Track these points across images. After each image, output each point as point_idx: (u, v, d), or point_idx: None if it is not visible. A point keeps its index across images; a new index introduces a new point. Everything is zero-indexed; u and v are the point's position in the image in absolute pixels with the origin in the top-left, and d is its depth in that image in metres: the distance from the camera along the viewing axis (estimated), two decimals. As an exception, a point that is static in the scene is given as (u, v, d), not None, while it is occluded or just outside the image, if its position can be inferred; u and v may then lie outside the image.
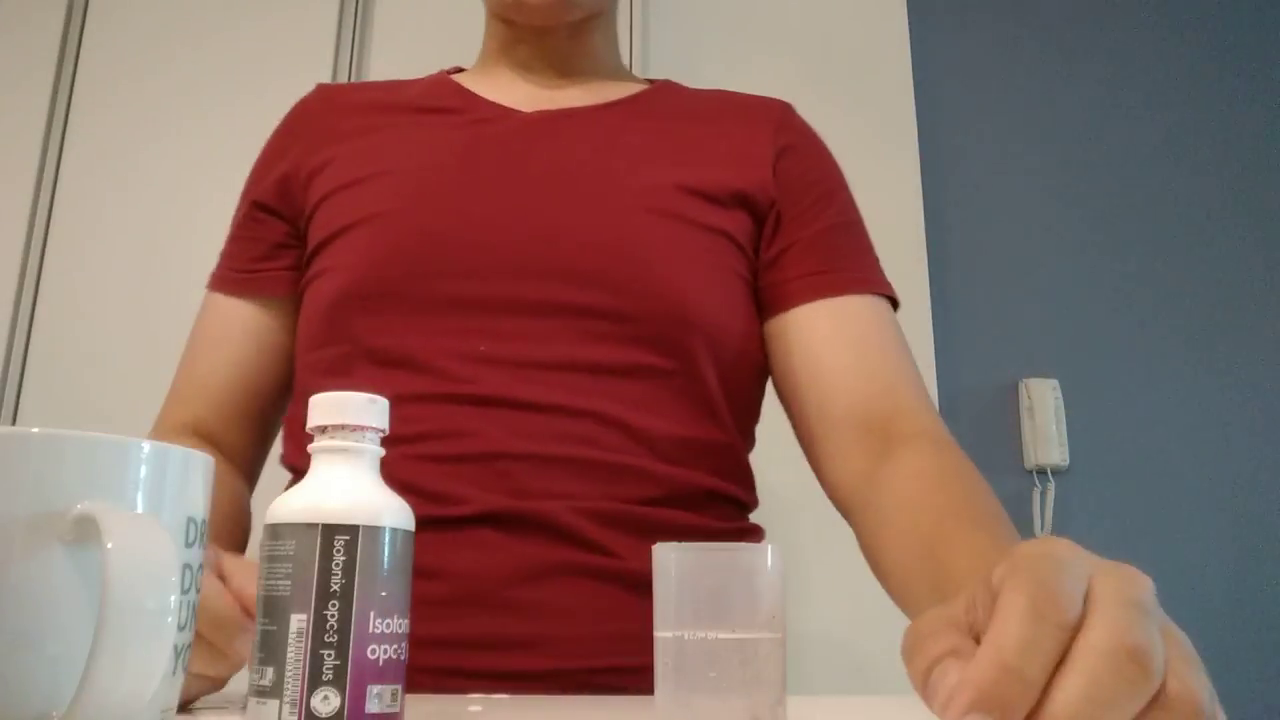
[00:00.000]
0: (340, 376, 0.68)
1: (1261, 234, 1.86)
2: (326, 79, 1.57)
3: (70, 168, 1.56)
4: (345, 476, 0.39)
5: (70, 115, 1.58)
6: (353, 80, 1.59)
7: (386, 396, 0.65)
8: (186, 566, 0.35)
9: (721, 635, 0.38)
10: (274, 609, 0.37)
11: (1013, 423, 1.73)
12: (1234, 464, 1.75)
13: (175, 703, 0.35)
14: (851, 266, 0.75)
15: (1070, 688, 0.28)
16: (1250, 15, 1.96)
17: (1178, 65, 1.93)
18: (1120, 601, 0.29)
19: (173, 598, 0.29)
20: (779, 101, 0.83)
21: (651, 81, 0.86)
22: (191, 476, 0.36)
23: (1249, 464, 1.75)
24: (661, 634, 0.40)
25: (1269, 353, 1.81)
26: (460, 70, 0.87)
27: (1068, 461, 1.70)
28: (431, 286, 0.69)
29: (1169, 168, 1.88)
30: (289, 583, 0.36)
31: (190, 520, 0.35)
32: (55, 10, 1.61)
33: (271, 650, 0.36)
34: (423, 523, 0.63)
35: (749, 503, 0.75)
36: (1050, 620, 0.29)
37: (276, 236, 0.79)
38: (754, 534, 0.75)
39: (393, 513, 0.39)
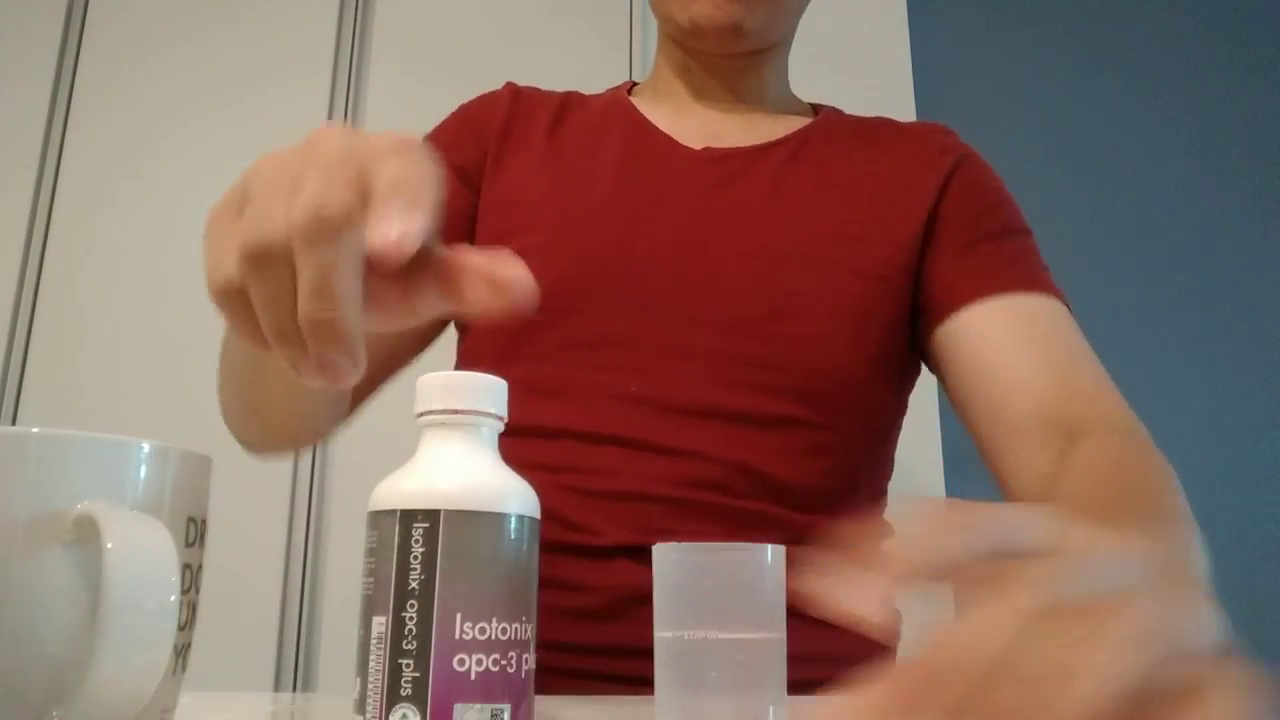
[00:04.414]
0: None
1: (1263, 232, 1.86)
2: (326, 79, 1.58)
3: (70, 167, 1.56)
4: (445, 455, 0.33)
5: (70, 114, 1.58)
6: (352, 81, 1.59)
7: (537, 424, 0.69)
8: (186, 566, 0.35)
9: (721, 635, 0.38)
10: (362, 611, 0.32)
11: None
12: (1234, 463, 1.74)
13: (175, 703, 0.35)
14: (1020, 267, 0.73)
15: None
16: (1251, 12, 1.96)
17: (1182, 63, 1.93)
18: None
19: (173, 598, 0.29)
20: (938, 126, 0.84)
21: (818, 110, 0.86)
22: (191, 476, 0.36)
23: (1249, 463, 1.75)
24: (661, 634, 0.40)
25: (1269, 352, 1.81)
26: (635, 85, 0.88)
27: (1068, 461, 1.69)
28: (590, 322, 0.71)
29: (1169, 166, 1.88)
30: (373, 580, 0.31)
31: (190, 520, 0.35)
32: (55, 9, 1.61)
33: (361, 659, 0.31)
34: (562, 548, 0.66)
35: None
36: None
37: (466, 209, 0.78)
38: None
39: (496, 495, 0.32)
